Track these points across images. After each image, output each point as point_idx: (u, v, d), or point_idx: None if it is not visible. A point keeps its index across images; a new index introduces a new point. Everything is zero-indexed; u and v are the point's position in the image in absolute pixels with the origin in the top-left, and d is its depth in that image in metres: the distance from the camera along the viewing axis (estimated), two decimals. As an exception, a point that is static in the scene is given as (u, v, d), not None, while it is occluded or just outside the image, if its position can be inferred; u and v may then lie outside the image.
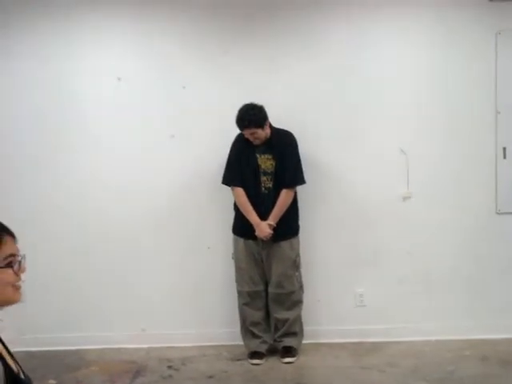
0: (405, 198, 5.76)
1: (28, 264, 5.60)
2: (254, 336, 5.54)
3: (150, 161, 5.75)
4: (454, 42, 5.67)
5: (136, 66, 5.75)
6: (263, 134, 5.29)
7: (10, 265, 1.92)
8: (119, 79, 5.70)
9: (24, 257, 1.99)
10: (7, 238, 1.94)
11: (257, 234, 5.34)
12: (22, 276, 1.97)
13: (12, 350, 2.66)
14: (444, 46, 5.68)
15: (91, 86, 5.73)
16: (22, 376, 1.95)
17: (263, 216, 5.35)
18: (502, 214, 5.76)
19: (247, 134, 5.27)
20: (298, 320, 5.57)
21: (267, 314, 5.59)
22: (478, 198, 5.77)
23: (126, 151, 5.76)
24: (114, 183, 5.73)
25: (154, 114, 5.75)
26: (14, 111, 5.72)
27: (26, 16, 5.66)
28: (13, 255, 1.94)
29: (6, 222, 2.03)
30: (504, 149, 5.69)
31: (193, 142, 5.74)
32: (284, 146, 5.38)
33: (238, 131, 5.35)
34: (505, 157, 5.69)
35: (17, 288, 1.95)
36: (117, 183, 5.73)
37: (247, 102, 5.26)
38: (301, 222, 5.56)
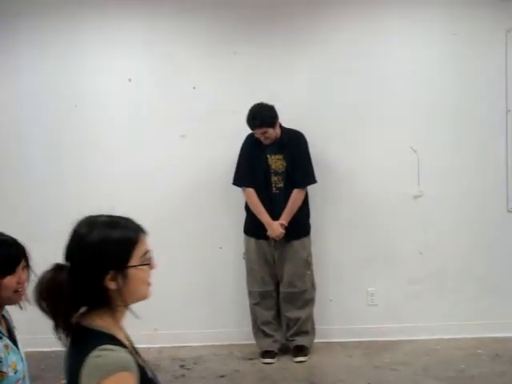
0: (416, 197, 5.76)
1: (40, 264, 5.66)
2: (266, 335, 5.55)
3: (161, 161, 5.78)
4: (464, 40, 5.67)
5: (147, 67, 5.79)
6: (274, 133, 5.31)
7: (146, 262, 1.97)
8: (130, 80, 5.73)
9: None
10: (142, 236, 2.00)
11: (269, 233, 5.36)
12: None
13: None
14: (454, 44, 5.69)
15: (102, 86, 5.77)
16: (150, 373, 2.00)
17: (275, 216, 5.37)
18: (514, 211, 5.76)
19: (258, 133, 5.28)
20: (309, 319, 5.58)
21: (278, 313, 5.60)
22: (490, 196, 5.77)
23: (137, 151, 5.79)
24: (125, 183, 5.75)
25: (165, 114, 5.78)
26: (24, 112, 5.78)
27: (35, 16, 5.71)
28: (147, 252, 1.99)
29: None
30: (515, 147, 5.69)
31: (203, 142, 5.76)
32: (294, 145, 5.39)
33: (248, 131, 5.36)
34: (516, 155, 5.69)
35: (149, 285, 2.01)
36: (128, 183, 5.75)
37: (257, 101, 5.28)
38: (312, 222, 5.58)
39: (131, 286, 1.93)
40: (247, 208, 5.51)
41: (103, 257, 1.90)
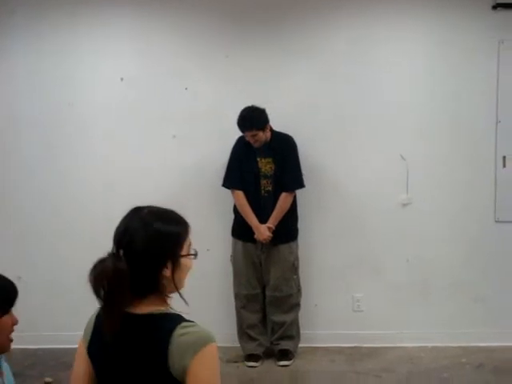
0: (404, 205, 5.77)
1: (29, 261, 5.63)
2: (251, 338, 5.55)
3: (151, 161, 5.78)
4: (456, 50, 5.68)
5: (139, 67, 5.79)
6: (264, 136, 5.31)
7: (193, 253, 2.10)
8: (122, 79, 5.73)
9: None
10: (189, 228, 2.11)
11: (256, 236, 5.36)
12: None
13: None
14: (446, 54, 5.69)
15: (94, 85, 5.77)
16: None
17: (262, 219, 5.37)
18: (501, 222, 5.76)
19: (248, 136, 5.29)
20: (294, 323, 5.58)
21: (264, 317, 5.60)
22: (478, 206, 5.78)
23: (127, 151, 5.79)
24: (114, 183, 5.76)
25: (156, 115, 5.78)
26: (14, 111, 5.80)
27: (30, 14, 5.71)
28: (191, 243, 2.10)
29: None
30: (504, 157, 5.69)
31: (194, 143, 5.77)
32: (284, 149, 5.40)
33: (239, 133, 5.37)
34: (504, 165, 5.69)
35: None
36: (117, 183, 5.76)
37: (249, 104, 5.29)
38: (300, 226, 5.58)
39: (181, 274, 2.05)
40: (235, 210, 5.51)
41: (164, 247, 2.00)
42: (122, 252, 1.97)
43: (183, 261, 2.04)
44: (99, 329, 2.03)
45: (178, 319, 1.97)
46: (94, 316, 2.10)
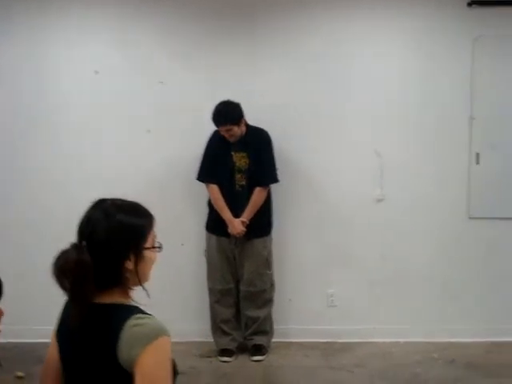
0: (378, 201, 5.78)
1: (4, 253, 5.55)
2: (224, 333, 5.54)
3: (125, 155, 5.75)
4: (431, 47, 5.70)
5: (114, 60, 5.74)
6: (239, 131, 5.30)
7: (158, 245, 2.09)
8: (96, 72, 5.69)
9: None
10: (153, 220, 2.11)
11: (230, 231, 5.35)
12: None
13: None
14: (421, 51, 5.72)
15: (67, 78, 5.73)
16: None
17: (237, 213, 5.36)
18: (475, 218, 5.79)
19: (223, 130, 5.27)
20: (268, 318, 5.59)
21: (238, 312, 5.60)
22: (451, 202, 5.81)
23: (101, 145, 5.76)
24: (87, 177, 5.70)
25: (131, 108, 5.74)
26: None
27: (2, 7, 5.64)
28: (155, 236, 2.10)
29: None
30: (477, 154, 5.73)
31: (169, 137, 5.74)
32: (259, 144, 5.39)
33: (214, 128, 5.35)
34: (478, 162, 5.73)
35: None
36: (90, 177, 5.70)
37: (224, 99, 5.28)
38: (274, 221, 5.58)
39: (145, 267, 2.04)
40: (210, 204, 5.49)
41: (127, 239, 1.99)
42: (84, 243, 1.96)
43: (147, 253, 2.03)
44: (66, 318, 2.04)
45: (133, 310, 1.96)
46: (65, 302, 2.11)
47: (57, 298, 2.09)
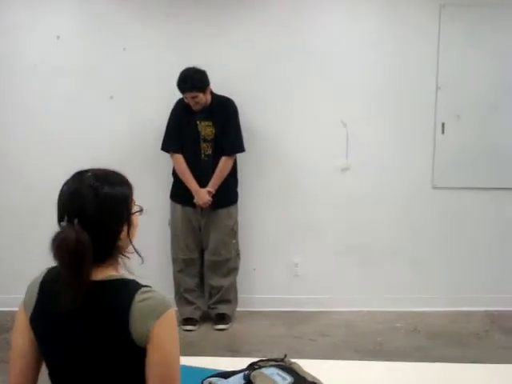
0: (343, 170, 5.78)
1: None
2: (188, 302, 5.53)
3: (88, 122, 5.66)
4: (397, 15, 5.68)
5: (76, 25, 5.65)
6: (204, 98, 5.23)
7: (139, 209, 2.09)
8: (58, 37, 5.57)
9: None
10: (132, 186, 2.09)
11: (195, 201, 5.31)
12: None
13: None
14: (388, 19, 5.70)
15: (28, 43, 5.60)
16: None
17: (202, 183, 5.32)
18: (438, 188, 5.83)
19: (188, 97, 5.20)
20: (232, 287, 5.59)
21: (202, 282, 5.59)
22: (416, 172, 5.84)
23: (64, 112, 5.66)
24: (50, 144, 5.64)
25: (94, 75, 5.65)
26: None
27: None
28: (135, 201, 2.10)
29: None
30: (443, 124, 5.74)
31: (133, 104, 5.67)
32: (224, 113, 5.34)
33: (179, 95, 5.28)
34: (443, 132, 5.75)
35: None
36: (53, 144, 5.64)
37: (189, 66, 5.20)
38: (239, 190, 5.55)
39: (133, 232, 2.03)
40: (174, 174, 5.44)
41: (119, 211, 1.98)
42: (76, 221, 1.88)
43: (134, 218, 2.04)
44: (47, 297, 1.96)
45: (136, 284, 1.95)
46: (38, 282, 2.01)
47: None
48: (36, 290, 2.00)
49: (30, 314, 1.98)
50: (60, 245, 1.84)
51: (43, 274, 2.03)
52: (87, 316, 1.89)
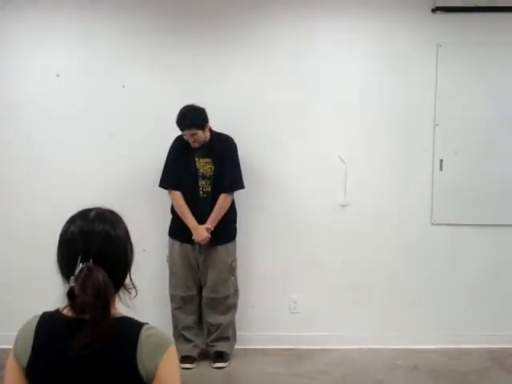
0: (342, 206, 5.77)
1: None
2: (186, 340, 5.49)
3: (88, 160, 5.67)
4: (395, 52, 5.72)
5: (76, 64, 5.67)
6: (203, 136, 5.25)
7: None
8: (58, 76, 5.60)
9: None
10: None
11: (194, 237, 5.30)
12: None
13: None
14: (385, 56, 5.74)
15: (28, 82, 5.64)
16: None
17: (201, 220, 5.31)
18: (437, 224, 5.81)
19: (187, 134, 5.22)
20: (231, 325, 5.55)
21: (200, 318, 5.55)
22: (414, 208, 5.82)
23: (63, 150, 5.67)
24: (49, 184, 5.67)
25: (93, 112, 5.67)
26: None
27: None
28: None
29: None
30: (441, 161, 5.75)
31: (132, 141, 5.68)
32: (223, 150, 5.35)
33: (177, 133, 5.29)
34: (441, 169, 5.75)
35: None
36: (52, 183, 5.66)
37: (188, 103, 5.22)
38: (238, 227, 5.54)
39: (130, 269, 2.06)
40: (173, 210, 5.43)
41: (129, 249, 2.03)
42: (91, 260, 1.88)
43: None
44: (48, 345, 1.91)
45: (137, 322, 1.97)
46: (32, 330, 1.95)
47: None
48: (30, 338, 1.94)
49: (24, 364, 1.92)
50: (88, 285, 1.84)
51: (35, 322, 1.97)
52: (95, 355, 1.86)
